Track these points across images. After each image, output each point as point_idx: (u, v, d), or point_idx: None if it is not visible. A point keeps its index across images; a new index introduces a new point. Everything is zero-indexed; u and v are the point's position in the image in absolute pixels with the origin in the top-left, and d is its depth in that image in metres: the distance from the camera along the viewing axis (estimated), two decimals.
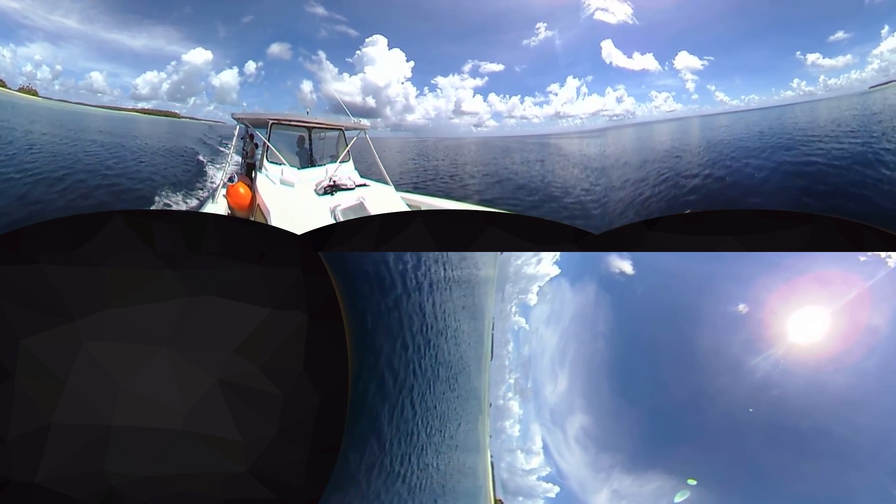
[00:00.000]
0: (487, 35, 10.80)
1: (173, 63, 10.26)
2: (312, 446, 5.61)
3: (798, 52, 9.91)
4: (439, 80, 10.98)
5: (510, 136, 11.43)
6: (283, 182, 8.73)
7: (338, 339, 5.71)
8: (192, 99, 10.44)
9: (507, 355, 7.60)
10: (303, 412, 5.60)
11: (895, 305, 6.16)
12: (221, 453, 5.52)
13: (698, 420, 6.63)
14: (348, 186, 8.61)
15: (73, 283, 5.52)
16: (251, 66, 10.33)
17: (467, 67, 11.00)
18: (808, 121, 10.14)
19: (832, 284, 6.20)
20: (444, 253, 6.77)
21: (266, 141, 9.27)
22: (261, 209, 8.23)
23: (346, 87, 10.71)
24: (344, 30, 10.37)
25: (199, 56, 10.22)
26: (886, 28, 9.19)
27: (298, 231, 5.97)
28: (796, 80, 10.03)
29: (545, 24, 10.41)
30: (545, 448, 7.46)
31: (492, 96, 11.10)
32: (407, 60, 10.81)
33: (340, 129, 9.91)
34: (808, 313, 6.36)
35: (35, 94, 9.40)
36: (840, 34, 9.55)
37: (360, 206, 8.06)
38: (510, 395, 7.58)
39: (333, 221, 7.35)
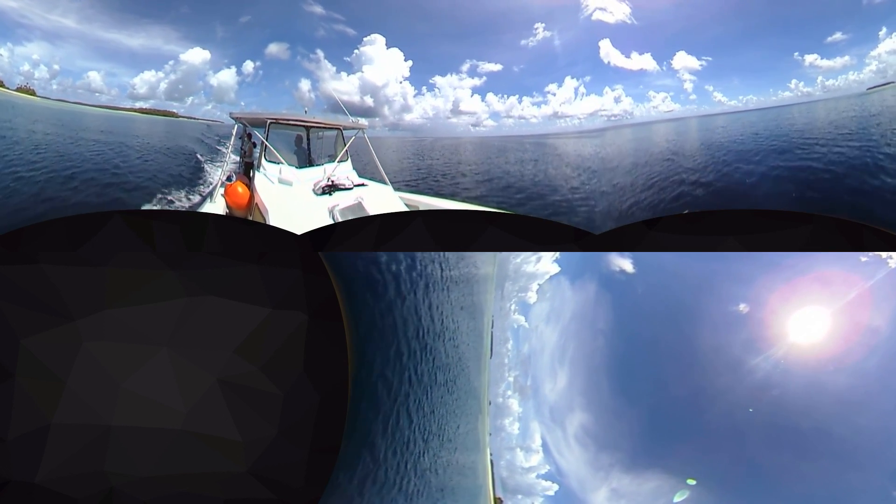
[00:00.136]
0: (486, 35, 10.81)
1: (171, 62, 10.25)
2: (312, 446, 5.61)
3: (796, 53, 9.93)
4: (437, 79, 10.99)
5: (508, 136, 11.44)
6: (281, 181, 8.73)
7: (338, 339, 5.71)
8: (190, 98, 10.43)
9: (506, 353, 7.61)
10: (303, 412, 5.60)
11: (895, 305, 6.19)
12: (221, 453, 5.52)
13: (698, 419, 6.65)
14: (346, 186, 8.60)
15: (73, 283, 5.51)
16: (249, 66, 10.32)
17: (465, 67, 11.00)
18: (805, 122, 10.16)
19: (832, 284, 6.22)
20: (443, 252, 6.77)
21: (264, 140, 9.26)
22: (259, 208, 8.21)
23: (344, 87, 10.70)
24: (342, 29, 10.36)
25: (196, 55, 10.21)
26: (884, 29, 9.21)
27: (297, 230, 5.97)
28: (794, 81, 10.05)
29: (543, 25, 10.42)
30: (544, 446, 7.47)
31: (490, 96, 11.11)
32: (405, 60, 10.80)
33: (338, 129, 9.91)
34: (808, 313, 6.38)
35: (33, 93, 9.37)
36: (838, 35, 9.57)
37: (359, 205, 8.05)
38: (510, 393, 7.59)
39: (332, 221, 7.35)
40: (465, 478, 7.07)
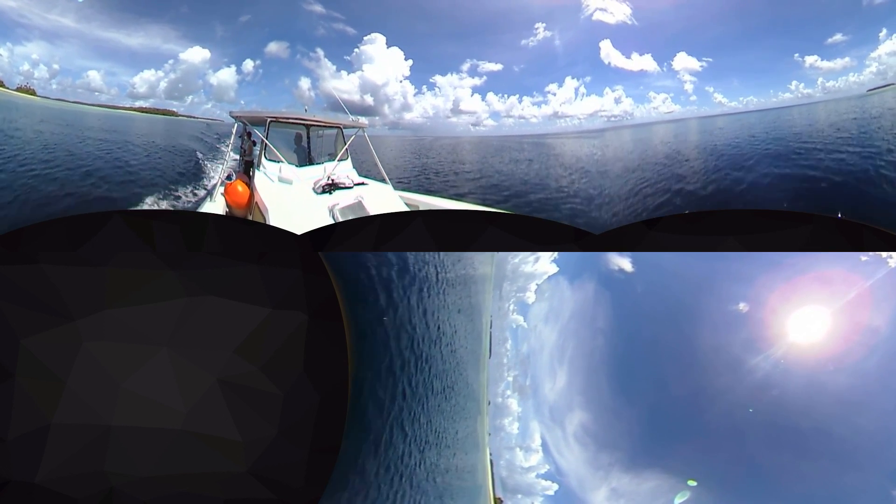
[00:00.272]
0: (486, 35, 10.83)
1: (171, 62, 10.25)
2: (312, 446, 5.60)
3: (796, 54, 9.95)
4: (438, 78, 11.00)
5: (508, 136, 11.46)
6: (281, 180, 8.72)
7: (338, 339, 5.70)
8: (190, 97, 10.44)
9: (505, 353, 7.60)
10: (303, 412, 5.59)
11: (895, 305, 6.19)
12: (221, 453, 5.51)
13: (698, 419, 6.64)
14: (346, 185, 8.60)
15: (73, 283, 5.50)
16: (249, 65, 10.33)
17: (466, 67, 11.02)
18: (805, 124, 10.17)
19: (832, 284, 6.21)
20: (440, 253, 6.76)
21: (264, 139, 9.25)
22: (259, 207, 8.21)
23: (344, 85, 10.71)
24: (342, 28, 10.37)
25: (196, 54, 10.21)
26: (884, 31, 9.22)
27: (296, 229, 5.96)
28: (794, 83, 10.07)
29: (544, 25, 10.43)
30: (544, 446, 7.47)
31: (490, 96, 11.13)
32: (405, 59, 10.82)
33: (338, 127, 9.90)
34: (808, 313, 6.37)
35: (33, 93, 9.37)
36: (838, 36, 9.58)
37: (359, 204, 8.05)
38: (509, 392, 7.59)
39: (332, 220, 7.35)
40: (464, 481, 7.06)
